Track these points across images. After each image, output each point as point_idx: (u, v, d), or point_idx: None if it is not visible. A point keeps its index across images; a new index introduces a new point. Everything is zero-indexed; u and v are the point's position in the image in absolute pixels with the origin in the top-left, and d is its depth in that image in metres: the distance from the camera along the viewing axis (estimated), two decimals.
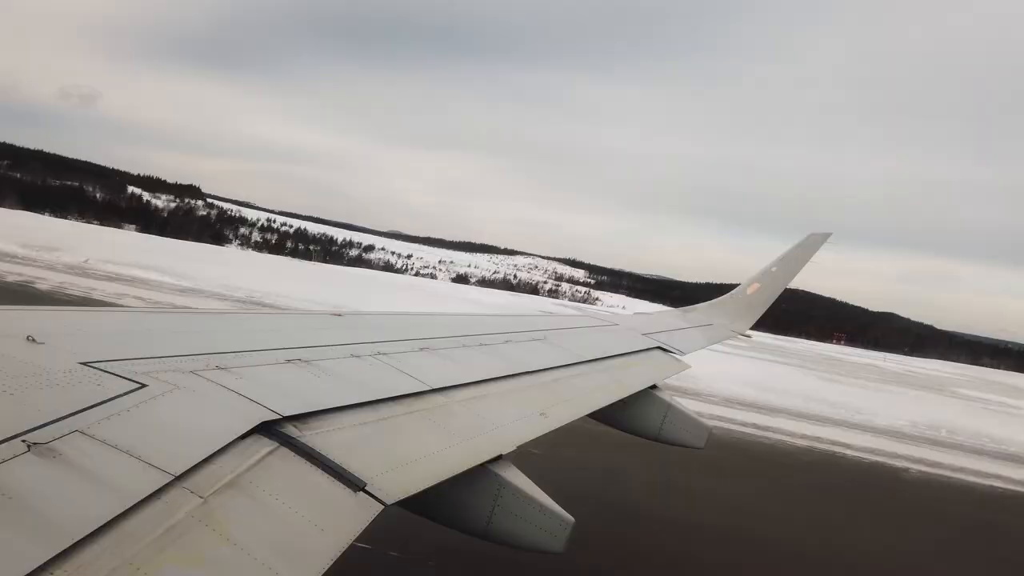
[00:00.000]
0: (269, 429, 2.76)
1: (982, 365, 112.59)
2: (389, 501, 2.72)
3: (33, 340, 2.85)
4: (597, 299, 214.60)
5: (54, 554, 1.80)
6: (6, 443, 2.08)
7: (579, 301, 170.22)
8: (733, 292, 12.19)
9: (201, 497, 2.24)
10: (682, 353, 8.34)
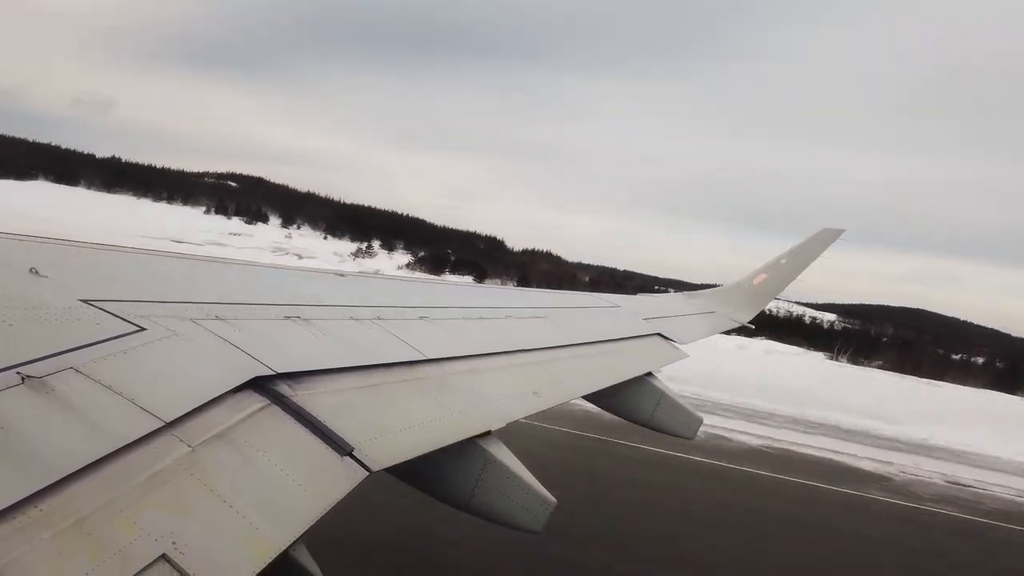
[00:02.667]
0: (262, 385, 2.77)
1: None
2: (375, 468, 2.74)
3: (36, 272, 2.86)
4: None
5: (40, 488, 1.82)
6: (0, 373, 2.10)
7: None
8: (739, 281, 12.18)
9: (189, 446, 2.26)
10: (682, 342, 8.34)
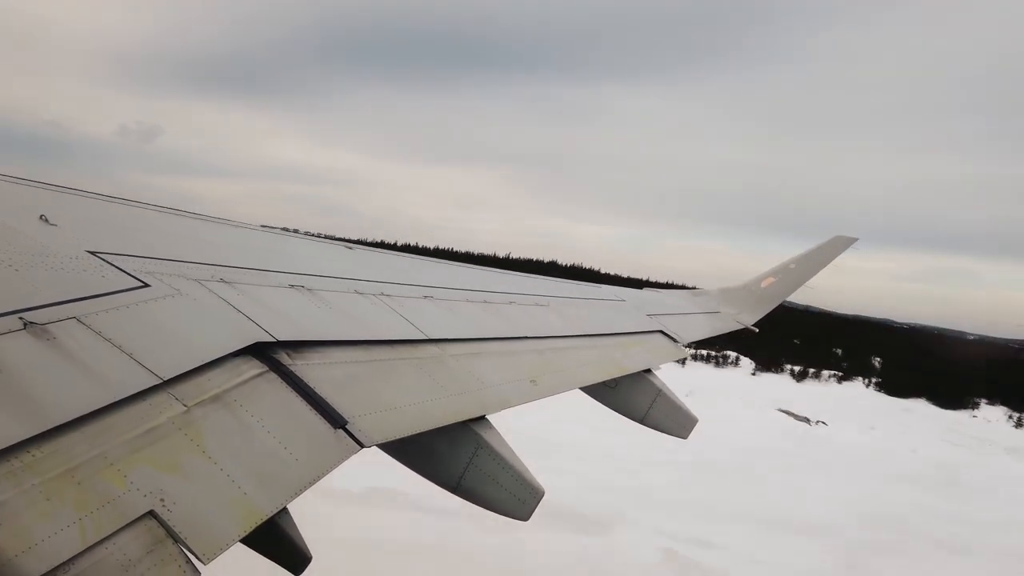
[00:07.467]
0: (262, 351, 2.77)
1: None
2: (367, 443, 2.74)
3: (45, 220, 2.86)
4: None
5: (33, 434, 1.83)
6: (3, 317, 2.11)
7: None
8: (747, 283, 12.11)
9: (185, 406, 2.26)
10: (683, 340, 8.31)
